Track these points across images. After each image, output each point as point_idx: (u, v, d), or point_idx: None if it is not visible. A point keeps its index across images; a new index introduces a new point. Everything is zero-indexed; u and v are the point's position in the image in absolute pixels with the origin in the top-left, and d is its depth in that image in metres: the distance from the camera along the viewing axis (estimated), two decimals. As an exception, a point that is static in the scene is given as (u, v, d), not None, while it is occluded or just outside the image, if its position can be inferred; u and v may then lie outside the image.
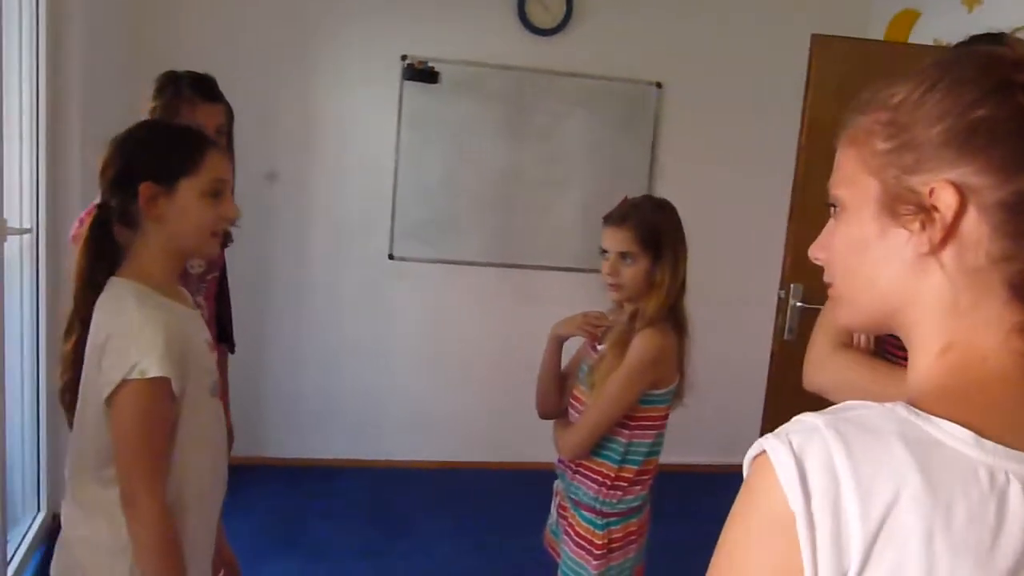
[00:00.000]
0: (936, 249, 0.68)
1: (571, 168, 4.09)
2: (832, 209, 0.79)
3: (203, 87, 2.02)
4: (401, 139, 3.89)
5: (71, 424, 1.44)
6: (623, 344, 1.79)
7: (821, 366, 1.40)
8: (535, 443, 4.23)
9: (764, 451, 0.65)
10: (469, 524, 3.61)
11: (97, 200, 1.45)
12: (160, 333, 1.31)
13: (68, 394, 1.44)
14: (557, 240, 4.14)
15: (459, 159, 3.98)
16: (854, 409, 0.66)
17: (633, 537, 1.89)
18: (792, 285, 3.09)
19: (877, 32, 4.07)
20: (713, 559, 0.70)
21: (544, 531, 2.10)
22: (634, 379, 1.78)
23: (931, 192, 0.67)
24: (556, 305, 4.14)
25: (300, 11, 3.77)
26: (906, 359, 0.76)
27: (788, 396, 2.40)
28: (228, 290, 2.32)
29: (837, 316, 0.81)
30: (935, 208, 0.67)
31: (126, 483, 1.31)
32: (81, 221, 1.92)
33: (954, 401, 0.66)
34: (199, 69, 3.66)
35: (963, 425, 0.63)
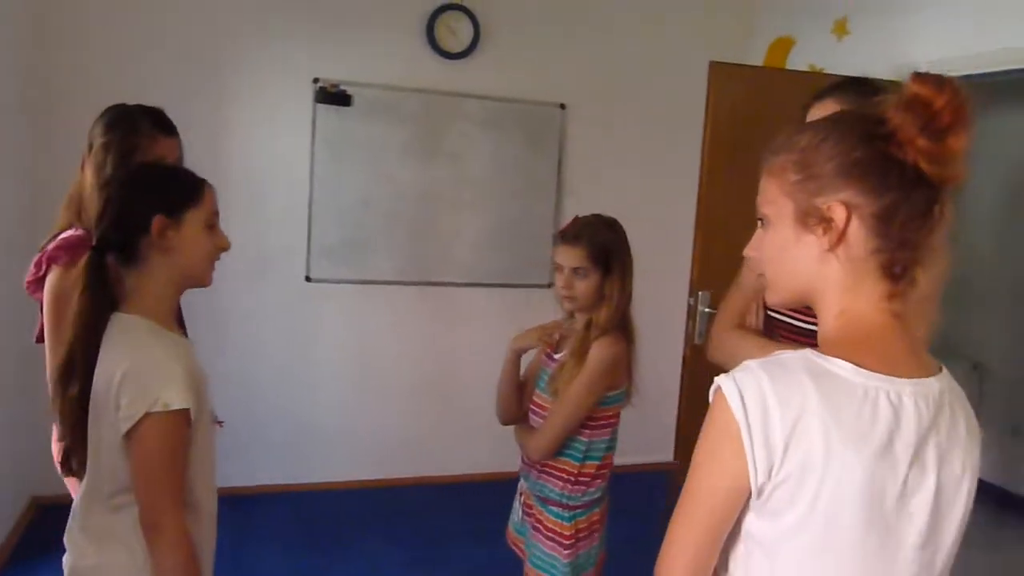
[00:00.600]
0: (833, 247, 1.00)
1: (482, 187, 4.22)
2: (760, 222, 1.09)
3: (162, 122, 2.01)
4: (315, 161, 3.91)
5: (81, 478, 1.45)
6: (582, 353, 1.95)
7: (721, 342, 1.79)
8: (458, 457, 4.36)
9: (719, 387, 0.97)
10: (402, 539, 3.66)
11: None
12: (178, 366, 1.37)
13: (75, 458, 1.45)
14: (471, 257, 4.26)
15: (374, 180, 4.04)
16: (777, 355, 0.99)
17: (596, 526, 2.06)
18: (700, 292, 3.34)
19: (757, 56, 4.44)
20: (688, 472, 1.01)
21: (507, 529, 2.23)
22: (594, 384, 1.94)
23: (828, 208, 0.99)
24: (472, 320, 4.32)
25: (210, 35, 3.74)
26: (789, 338, 1.30)
27: (701, 396, 2.61)
28: None
29: (767, 296, 1.12)
30: (831, 219, 0.99)
31: (150, 511, 1.35)
32: (38, 265, 1.89)
33: (844, 347, 0.98)
34: (106, 95, 3.60)
35: (848, 361, 0.96)
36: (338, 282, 4.02)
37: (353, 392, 4.13)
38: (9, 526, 3.38)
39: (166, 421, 1.34)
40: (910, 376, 0.98)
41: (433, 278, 4.21)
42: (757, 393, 0.94)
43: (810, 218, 1.00)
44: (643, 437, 3.77)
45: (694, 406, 2.78)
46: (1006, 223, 4.67)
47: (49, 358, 1.85)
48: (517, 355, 2.13)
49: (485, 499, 4.15)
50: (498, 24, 4.13)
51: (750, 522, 1.00)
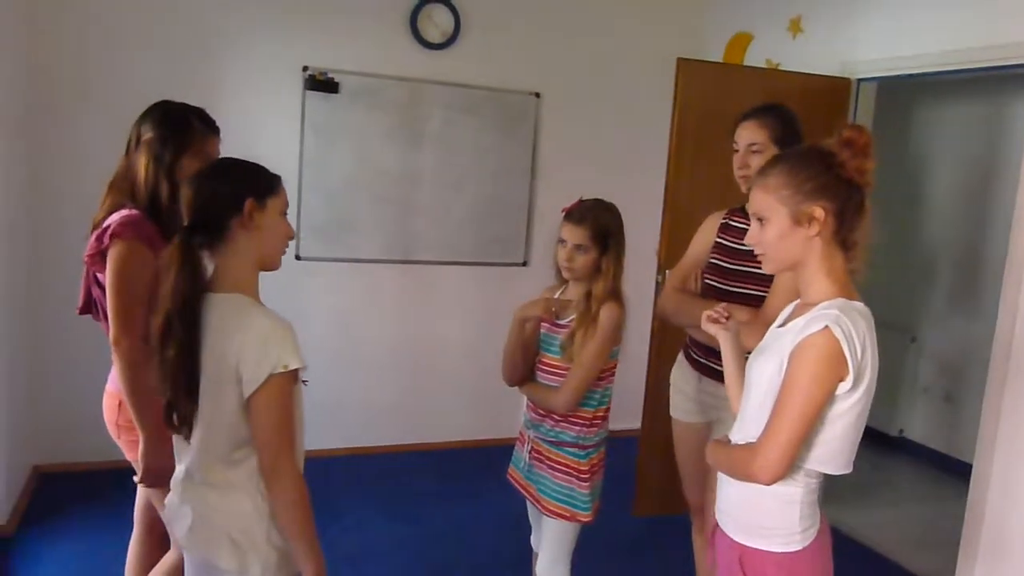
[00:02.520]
0: (816, 235, 1.58)
1: (462, 170, 4.47)
2: (758, 221, 1.64)
3: (209, 121, 2.21)
4: (305, 145, 4.12)
5: (188, 437, 1.64)
6: (590, 319, 2.27)
7: (669, 298, 2.66)
8: (437, 425, 4.63)
9: (827, 326, 1.48)
10: (386, 501, 3.90)
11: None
12: (289, 331, 1.57)
13: (176, 414, 1.62)
14: (450, 236, 4.51)
15: (360, 163, 4.25)
16: (833, 304, 1.53)
17: (601, 464, 2.42)
18: (667, 271, 3.61)
19: (717, 51, 4.74)
20: (791, 390, 1.50)
21: (510, 470, 2.57)
22: (607, 343, 2.28)
23: (813, 211, 1.57)
24: (450, 296, 4.57)
25: (203, 25, 3.90)
26: (716, 298, 2.33)
27: (668, 366, 2.89)
28: None
29: (764, 267, 1.69)
30: (815, 218, 1.57)
31: (272, 458, 1.56)
32: (99, 239, 2.05)
33: (848, 291, 1.58)
34: (99, 86, 3.79)
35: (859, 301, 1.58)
36: (327, 260, 4.24)
37: (339, 364, 4.35)
38: (16, 495, 3.52)
39: (287, 380, 1.55)
40: None
41: (414, 256, 4.46)
42: (847, 328, 1.48)
43: (801, 217, 1.58)
44: (614, 405, 4.08)
45: (661, 375, 3.03)
46: (944, 208, 5.07)
47: (114, 324, 2.02)
48: (521, 323, 2.37)
49: (463, 464, 4.46)
50: (477, 17, 4.37)
51: (828, 409, 1.55)
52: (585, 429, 2.35)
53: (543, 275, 4.63)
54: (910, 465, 4.95)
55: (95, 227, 2.10)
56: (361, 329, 4.42)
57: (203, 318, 1.59)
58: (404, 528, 3.64)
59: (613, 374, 2.38)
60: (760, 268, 2.38)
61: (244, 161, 1.69)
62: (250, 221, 1.60)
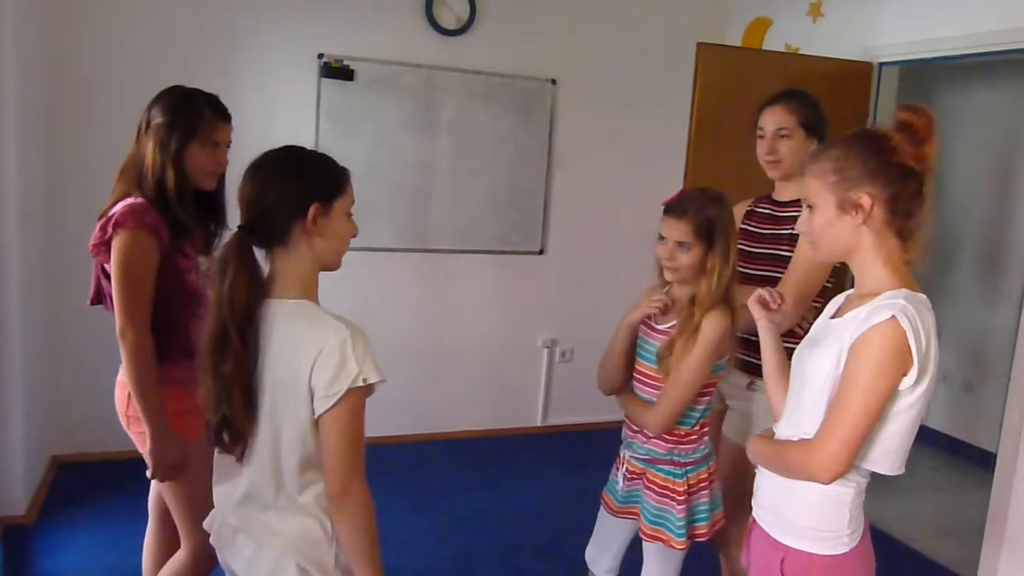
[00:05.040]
0: (864, 223, 1.49)
1: (478, 158, 4.43)
2: (809, 208, 1.57)
3: (220, 108, 2.14)
4: (320, 133, 4.09)
5: (241, 457, 1.52)
6: (692, 329, 2.01)
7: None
8: (455, 414, 4.62)
9: (893, 316, 1.40)
10: (406, 490, 3.90)
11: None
12: (366, 343, 1.45)
13: (229, 432, 1.50)
14: (466, 224, 4.48)
15: (376, 151, 4.22)
16: (899, 294, 1.45)
17: (705, 483, 2.13)
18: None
19: (736, 35, 4.69)
20: (853, 383, 1.42)
21: (604, 494, 2.31)
22: (708, 358, 2.02)
23: (859, 198, 1.48)
24: (468, 284, 4.55)
25: (219, 14, 3.88)
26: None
27: None
28: None
29: (815, 256, 1.63)
30: (862, 205, 1.48)
31: (343, 479, 1.43)
32: (103, 229, 2.00)
33: (908, 282, 1.49)
34: (120, 71, 3.78)
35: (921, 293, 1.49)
36: (343, 249, 4.21)
37: (357, 353, 4.32)
38: (35, 485, 3.53)
39: (363, 395, 1.43)
40: None
41: (431, 245, 4.43)
42: (914, 320, 1.41)
43: (847, 205, 1.50)
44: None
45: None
46: (965, 194, 5.00)
47: (120, 315, 1.98)
48: (630, 330, 2.16)
49: (481, 453, 4.44)
50: (493, 2, 4.32)
51: (889, 405, 1.47)
52: (677, 446, 2.10)
53: (560, 263, 4.67)
54: (930, 454, 4.91)
55: (101, 216, 2.06)
56: (378, 318, 4.39)
57: (263, 327, 1.47)
58: (424, 517, 3.64)
59: (714, 389, 2.14)
60: (784, 250, 2.39)
61: (310, 154, 1.56)
62: (314, 226, 1.48)
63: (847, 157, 1.50)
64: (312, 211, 1.47)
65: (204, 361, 1.48)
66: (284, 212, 1.47)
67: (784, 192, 2.44)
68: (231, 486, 1.58)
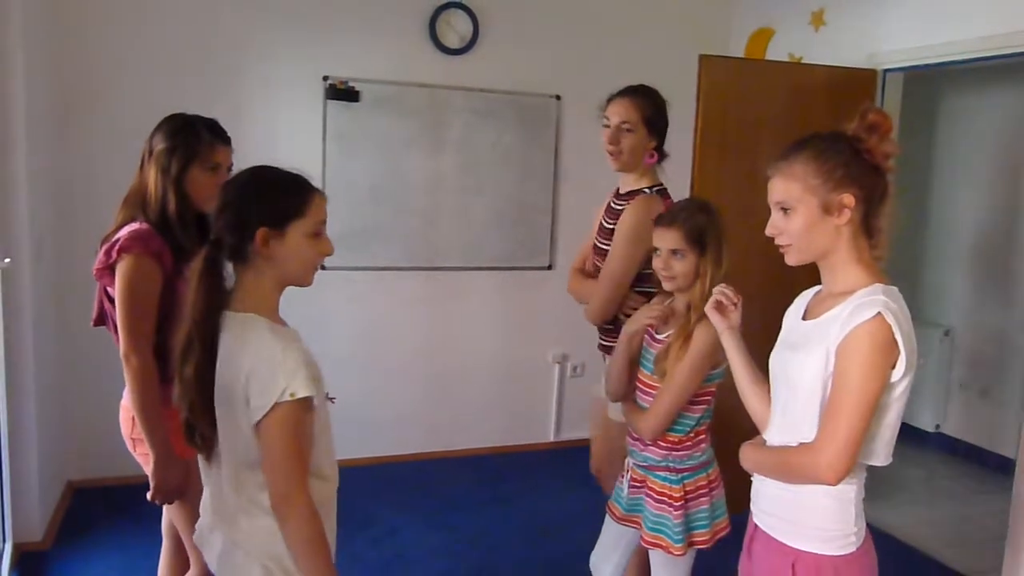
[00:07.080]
0: (845, 224, 1.53)
1: (484, 175, 4.45)
2: (783, 210, 1.57)
3: (219, 131, 2.18)
4: (327, 154, 4.12)
5: (208, 457, 1.59)
6: (686, 336, 2.05)
7: (571, 278, 2.77)
8: (467, 431, 4.61)
9: (879, 312, 1.44)
10: (417, 508, 3.89)
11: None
12: (299, 358, 1.47)
13: (197, 432, 1.56)
14: (473, 241, 4.50)
15: (383, 171, 4.25)
16: (877, 290, 1.49)
17: (704, 490, 2.14)
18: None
19: (739, 46, 4.70)
20: (848, 383, 1.44)
21: (609, 503, 2.34)
22: (699, 367, 2.05)
23: (841, 199, 1.52)
24: (475, 302, 4.55)
25: (224, 38, 3.93)
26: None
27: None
28: None
29: (788, 259, 1.60)
30: (846, 206, 1.52)
31: (282, 488, 1.46)
32: (108, 254, 2.04)
33: (881, 277, 1.54)
34: (124, 92, 3.82)
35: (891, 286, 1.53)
36: (351, 269, 4.22)
37: (365, 373, 4.33)
38: (51, 511, 3.55)
39: (293, 408, 1.45)
40: None
41: (439, 263, 4.44)
42: (896, 313, 1.45)
43: (831, 206, 1.53)
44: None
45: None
46: (974, 199, 4.98)
47: (124, 340, 2.01)
48: (630, 339, 2.21)
49: (492, 470, 4.43)
50: (496, 21, 4.35)
51: (883, 397, 1.50)
52: (672, 452, 2.12)
53: (568, 278, 4.65)
54: (947, 461, 4.86)
55: (104, 241, 2.09)
56: (387, 338, 4.41)
57: (221, 336, 1.53)
58: (437, 536, 3.62)
59: (711, 398, 2.15)
60: (604, 244, 2.49)
61: (273, 175, 1.57)
62: (265, 249, 1.51)
63: (827, 159, 1.53)
64: (259, 235, 1.50)
65: (176, 363, 1.56)
66: (237, 234, 1.52)
67: (625, 184, 2.58)
68: (208, 486, 1.66)
